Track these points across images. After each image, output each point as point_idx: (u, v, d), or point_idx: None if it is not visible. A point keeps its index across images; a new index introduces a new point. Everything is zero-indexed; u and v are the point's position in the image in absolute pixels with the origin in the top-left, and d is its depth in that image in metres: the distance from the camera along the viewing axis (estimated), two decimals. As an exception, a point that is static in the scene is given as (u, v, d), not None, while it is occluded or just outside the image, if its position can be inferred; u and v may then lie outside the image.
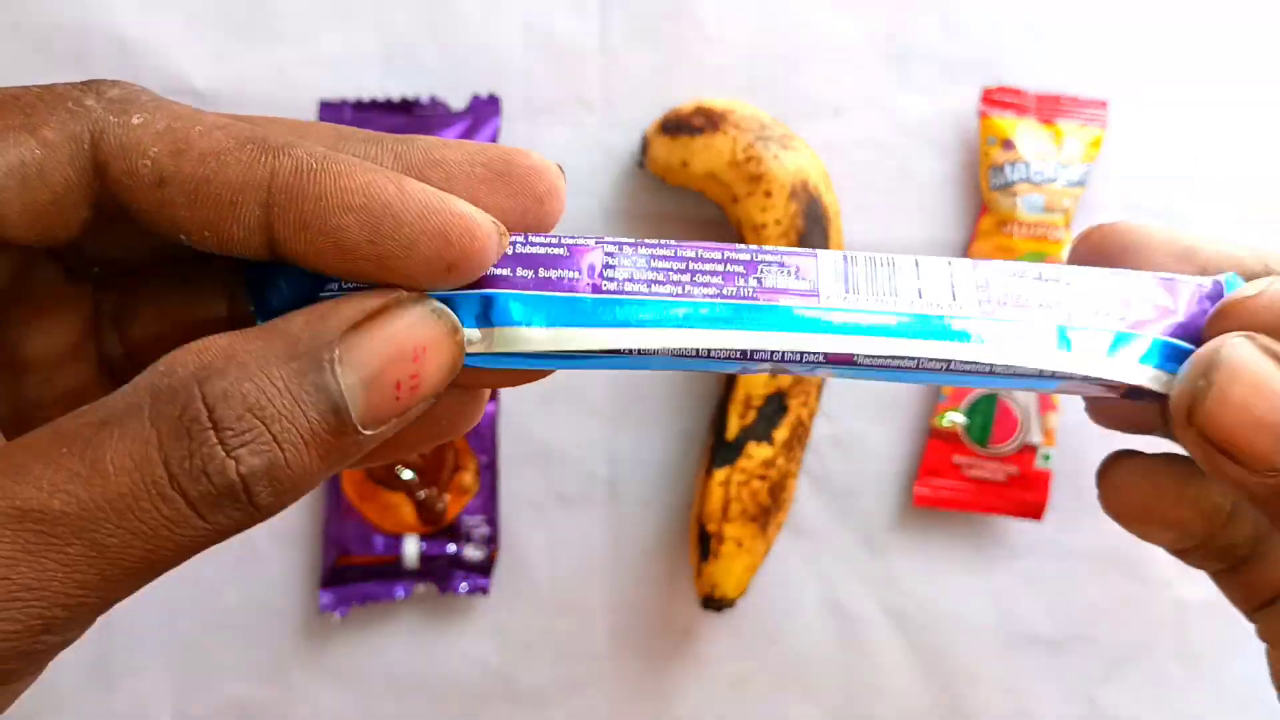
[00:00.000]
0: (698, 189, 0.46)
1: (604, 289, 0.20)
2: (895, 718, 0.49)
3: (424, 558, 0.46)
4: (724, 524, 0.45)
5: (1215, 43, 0.48)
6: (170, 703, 0.47)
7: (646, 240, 0.21)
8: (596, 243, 0.20)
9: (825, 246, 0.44)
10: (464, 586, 0.47)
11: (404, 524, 0.46)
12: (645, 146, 0.45)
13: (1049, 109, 0.47)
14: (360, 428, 0.17)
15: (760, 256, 0.21)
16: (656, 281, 0.20)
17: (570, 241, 0.20)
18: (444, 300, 0.19)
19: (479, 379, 0.21)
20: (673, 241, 0.21)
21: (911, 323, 0.20)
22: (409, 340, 0.17)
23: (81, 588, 0.16)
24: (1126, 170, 0.48)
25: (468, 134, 0.46)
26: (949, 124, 0.48)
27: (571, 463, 0.48)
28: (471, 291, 0.19)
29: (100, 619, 0.17)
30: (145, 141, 0.17)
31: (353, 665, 0.48)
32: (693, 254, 0.21)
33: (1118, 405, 0.23)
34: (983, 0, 0.48)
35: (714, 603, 0.46)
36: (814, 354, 0.20)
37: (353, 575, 0.46)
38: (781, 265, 0.21)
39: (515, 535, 0.48)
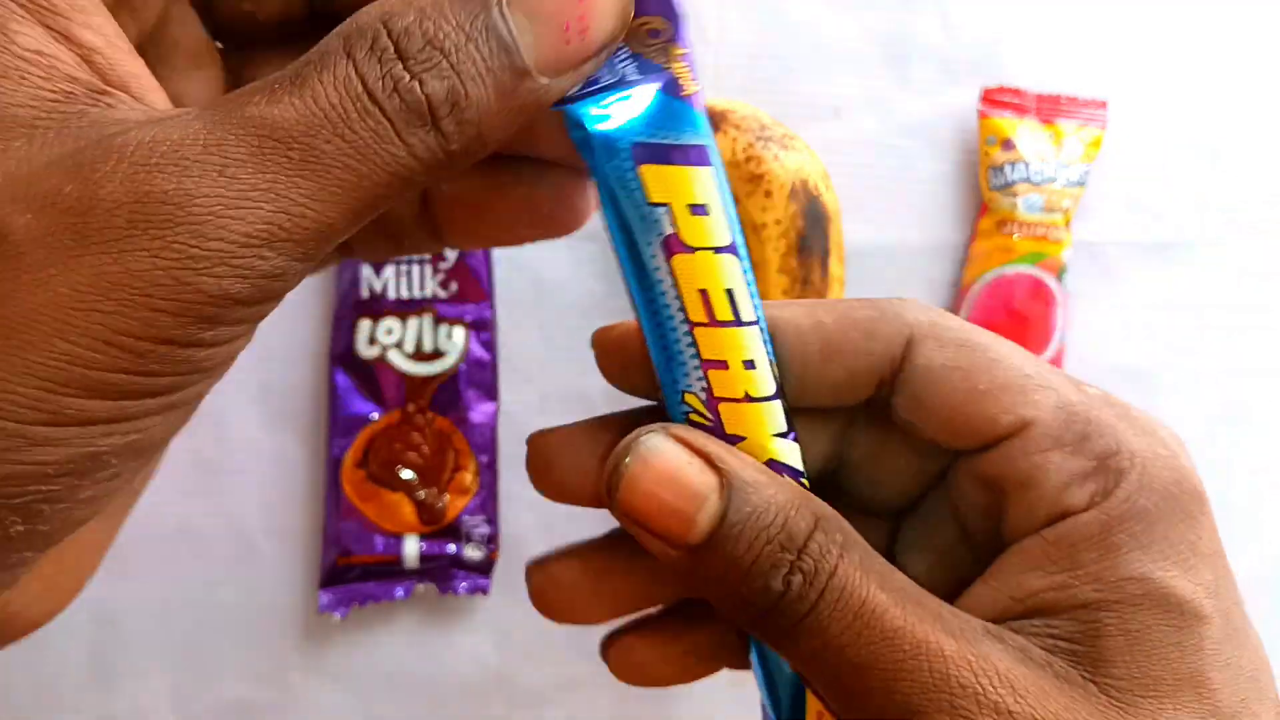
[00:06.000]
0: (698, 189, 0.46)
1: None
2: (895, 718, 0.49)
3: (424, 558, 0.46)
4: (724, 524, 0.45)
5: (1215, 43, 0.48)
6: (170, 703, 0.47)
7: None
8: None
9: (825, 247, 0.44)
10: (464, 586, 0.47)
11: (404, 524, 0.46)
12: (645, 146, 0.45)
13: (1049, 109, 0.47)
14: (535, 71, 0.18)
15: None
16: None
17: None
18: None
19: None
20: None
21: None
22: None
23: (304, 194, 0.17)
24: (1126, 170, 0.48)
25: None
26: (949, 124, 0.48)
27: (571, 463, 0.48)
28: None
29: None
30: None
31: (353, 665, 0.48)
32: None
33: None
34: (983, 0, 0.48)
35: (714, 603, 0.46)
36: None
37: (352, 575, 0.46)
38: None
39: (515, 535, 0.48)
